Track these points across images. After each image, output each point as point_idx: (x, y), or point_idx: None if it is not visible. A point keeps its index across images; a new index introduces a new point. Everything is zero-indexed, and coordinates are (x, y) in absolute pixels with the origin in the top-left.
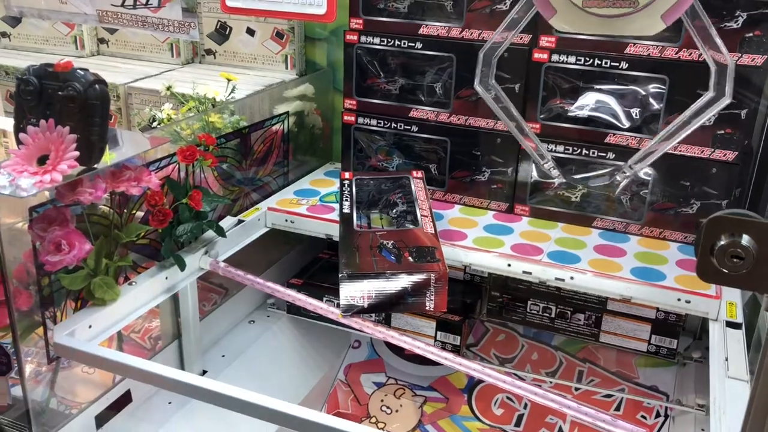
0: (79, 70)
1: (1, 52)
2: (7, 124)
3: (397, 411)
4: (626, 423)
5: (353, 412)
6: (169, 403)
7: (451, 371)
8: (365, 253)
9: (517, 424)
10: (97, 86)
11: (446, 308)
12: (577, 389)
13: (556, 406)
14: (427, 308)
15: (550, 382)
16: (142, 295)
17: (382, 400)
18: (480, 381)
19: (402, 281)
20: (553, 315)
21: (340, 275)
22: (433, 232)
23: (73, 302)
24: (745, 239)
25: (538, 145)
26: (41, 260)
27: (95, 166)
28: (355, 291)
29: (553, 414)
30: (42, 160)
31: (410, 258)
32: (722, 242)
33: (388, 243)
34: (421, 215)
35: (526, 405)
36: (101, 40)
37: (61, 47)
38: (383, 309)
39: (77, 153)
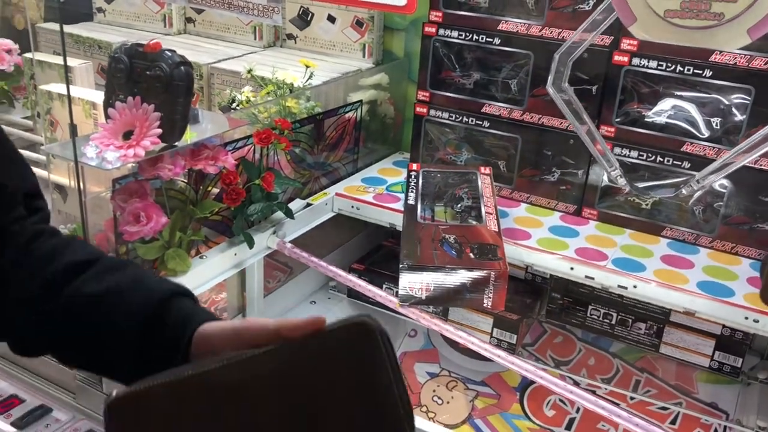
0: (166, 51)
1: (96, 27)
2: (98, 96)
3: (448, 402)
4: None
5: None
6: None
7: (506, 368)
8: (427, 245)
9: (568, 428)
10: (182, 68)
11: (504, 307)
12: (632, 398)
13: (607, 414)
14: (484, 305)
15: (605, 389)
16: (211, 269)
17: (434, 391)
18: (533, 381)
19: (461, 276)
20: (613, 321)
21: (400, 266)
22: (497, 230)
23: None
24: None
25: (607, 151)
26: (120, 229)
27: (176, 143)
28: (414, 282)
29: (605, 421)
30: (127, 135)
31: (471, 254)
32: None
33: (450, 237)
34: (486, 212)
35: (578, 409)
36: (188, 19)
37: (151, 24)
38: (441, 302)
39: (160, 130)
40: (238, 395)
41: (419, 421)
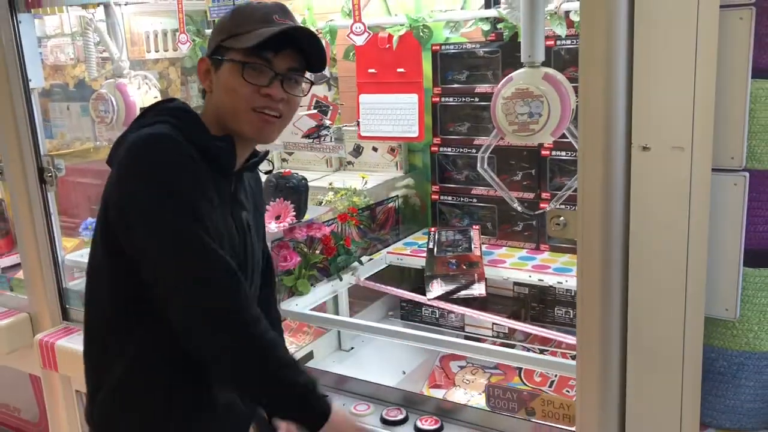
0: (294, 173)
1: None
2: None
3: (473, 381)
4: None
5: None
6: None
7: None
8: (440, 265)
9: (550, 386)
10: (303, 181)
11: (486, 295)
12: None
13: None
14: (474, 295)
15: None
16: (320, 293)
17: (464, 375)
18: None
19: (460, 279)
20: (571, 316)
21: (425, 275)
22: (480, 254)
23: (286, 293)
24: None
25: (512, 198)
26: (276, 265)
27: (301, 221)
28: (435, 284)
29: (569, 387)
30: (277, 218)
31: (464, 266)
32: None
33: (453, 260)
34: (474, 247)
35: (556, 376)
36: (283, 160)
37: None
38: (451, 294)
39: (294, 214)
40: None
41: (459, 393)
